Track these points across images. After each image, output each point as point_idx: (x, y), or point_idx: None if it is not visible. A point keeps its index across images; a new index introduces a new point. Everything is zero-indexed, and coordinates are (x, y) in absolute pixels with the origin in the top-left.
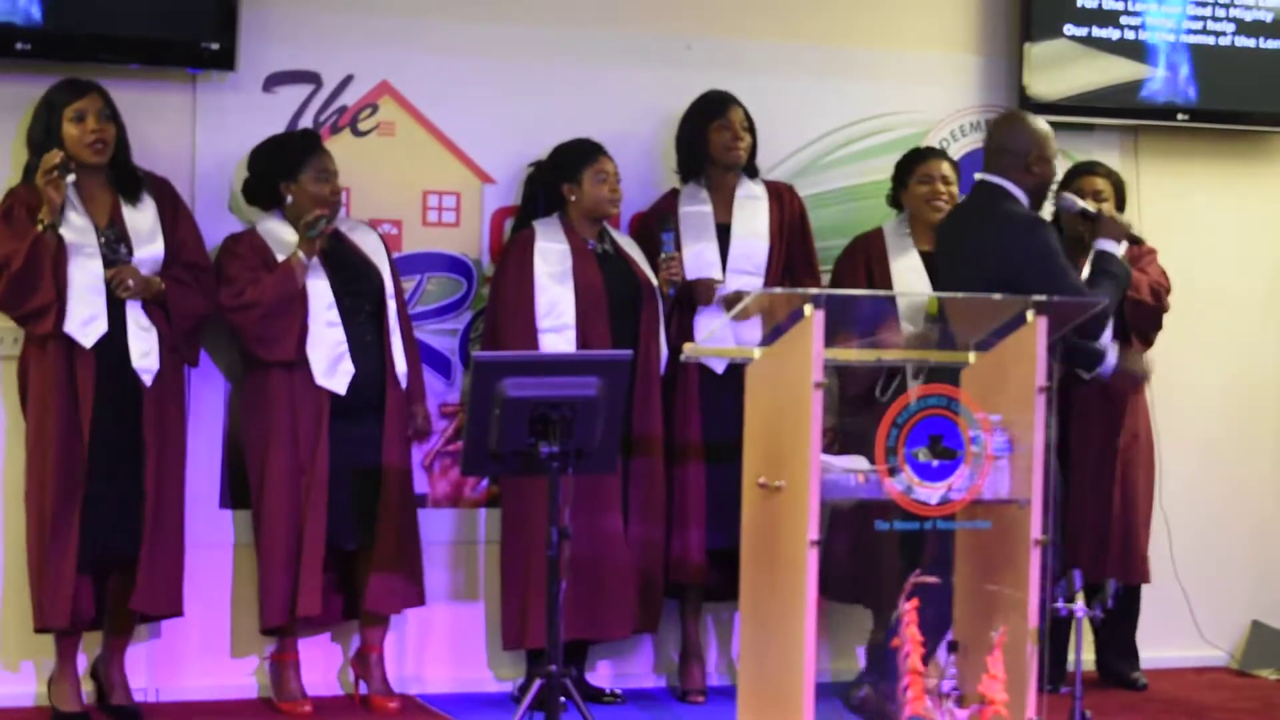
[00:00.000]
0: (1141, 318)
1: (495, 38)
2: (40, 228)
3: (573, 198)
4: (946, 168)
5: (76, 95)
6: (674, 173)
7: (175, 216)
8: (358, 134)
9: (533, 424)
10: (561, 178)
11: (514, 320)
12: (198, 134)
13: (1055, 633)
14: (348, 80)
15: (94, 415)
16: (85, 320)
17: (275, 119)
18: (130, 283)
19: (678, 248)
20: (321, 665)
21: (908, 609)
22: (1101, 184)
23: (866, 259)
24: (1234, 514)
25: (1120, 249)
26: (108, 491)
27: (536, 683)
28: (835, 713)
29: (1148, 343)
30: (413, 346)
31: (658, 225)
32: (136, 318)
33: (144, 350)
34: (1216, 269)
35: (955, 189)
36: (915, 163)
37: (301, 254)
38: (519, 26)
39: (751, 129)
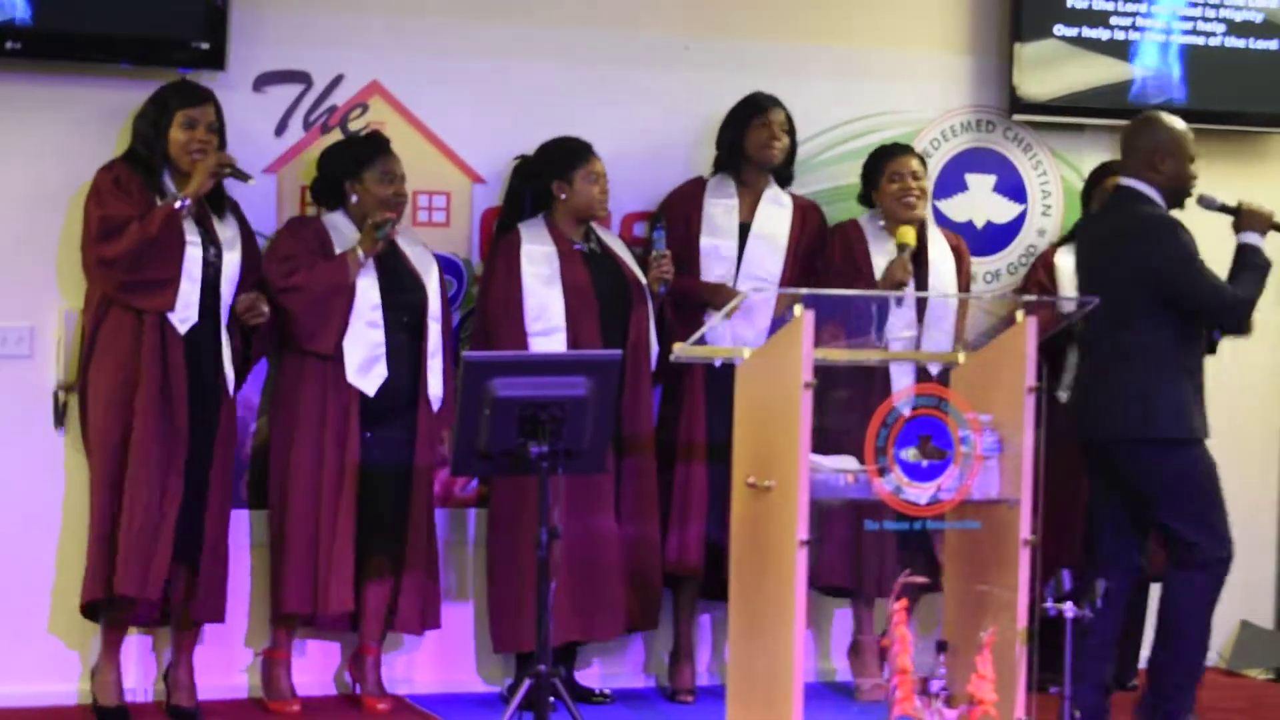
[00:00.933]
0: None
1: (486, 37)
2: (178, 205)
3: (563, 196)
4: (915, 163)
5: (192, 102)
6: (664, 174)
7: (247, 235)
8: (348, 134)
9: (522, 424)
10: (553, 176)
11: (503, 325)
12: None
13: (1050, 632)
14: (338, 80)
15: (190, 408)
16: (184, 305)
17: (265, 119)
18: (265, 309)
19: (683, 243)
20: (318, 666)
21: (897, 609)
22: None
23: (845, 241)
24: None
25: (1264, 241)
26: (188, 489)
27: (526, 683)
28: (824, 712)
29: None
30: (451, 373)
31: (650, 223)
32: (224, 322)
33: (229, 356)
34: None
35: (925, 184)
36: (884, 160)
37: (360, 251)
38: (510, 26)
39: (791, 133)
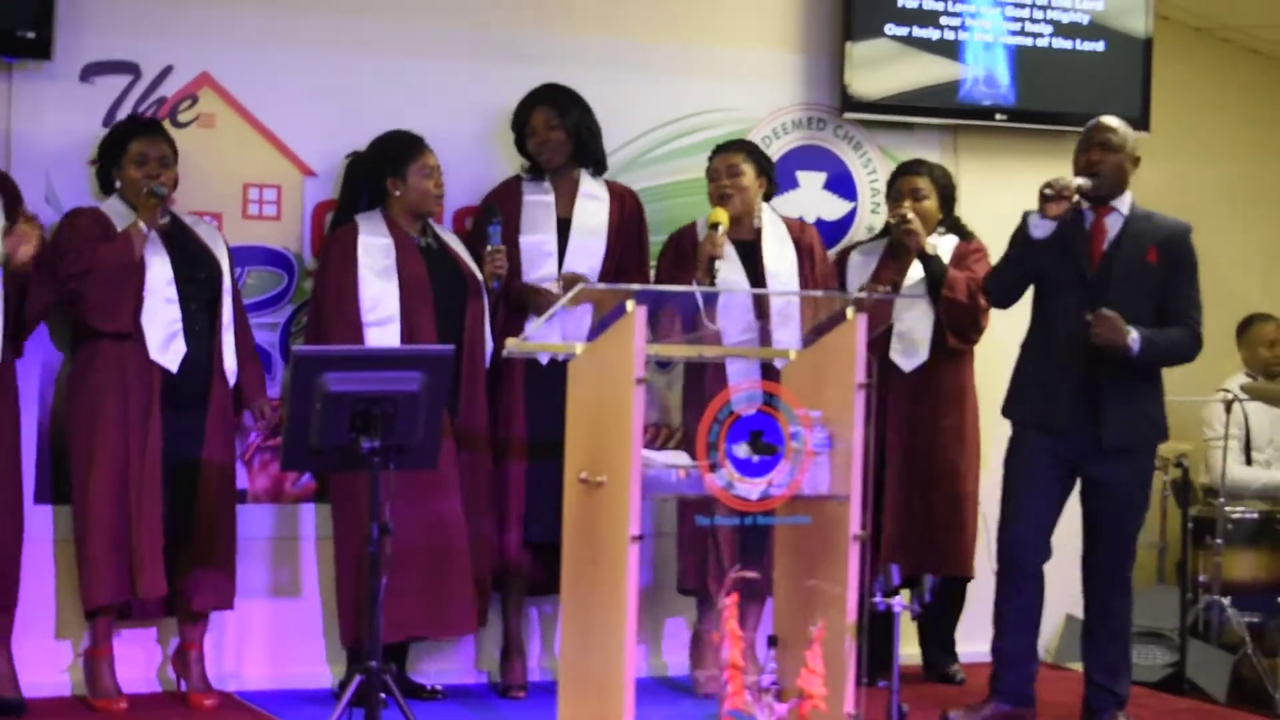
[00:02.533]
0: (956, 316)
1: (317, 30)
2: None
3: (396, 192)
4: (736, 158)
5: None
6: (493, 168)
7: (14, 211)
8: (177, 125)
9: (354, 419)
10: (386, 171)
11: (338, 315)
12: (12, 123)
13: (880, 627)
14: (167, 71)
15: None
16: None
17: (93, 109)
18: (31, 234)
19: (504, 240)
20: (141, 662)
21: (727, 603)
22: (922, 183)
23: (679, 247)
24: None
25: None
26: None
27: (356, 679)
28: (656, 707)
29: (966, 340)
30: (248, 344)
31: (484, 218)
32: None
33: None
34: None
35: (747, 180)
36: (711, 158)
37: (141, 224)
38: (341, 19)
39: (567, 126)
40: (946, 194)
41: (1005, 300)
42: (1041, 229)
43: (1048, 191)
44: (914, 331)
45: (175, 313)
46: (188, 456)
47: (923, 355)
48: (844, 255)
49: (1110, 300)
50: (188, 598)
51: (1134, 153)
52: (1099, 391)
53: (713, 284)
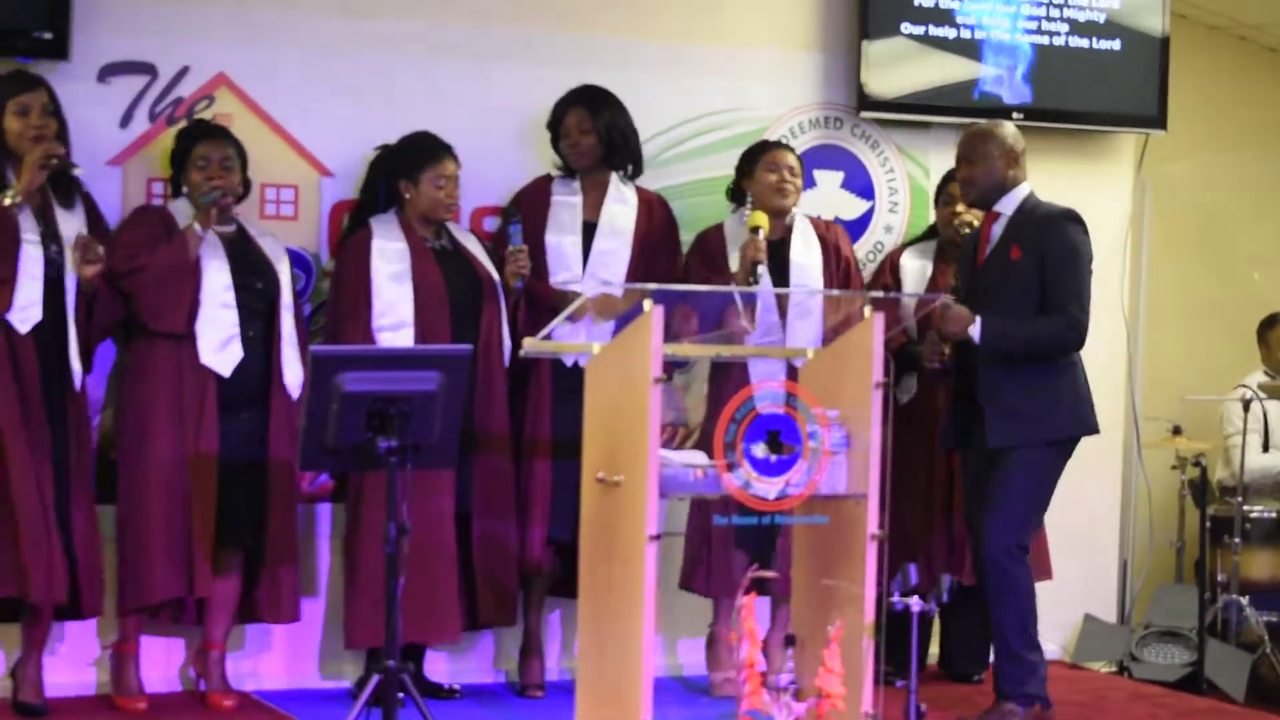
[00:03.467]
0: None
1: (334, 31)
2: (8, 202)
3: (408, 196)
4: (793, 159)
5: (22, 89)
6: (513, 169)
7: (98, 228)
8: (193, 125)
9: (370, 418)
10: (401, 174)
11: (352, 321)
12: None
13: (901, 627)
14: (184, 71)
15: (35, 403)
16: (24, 305)
17: (110, 109)
18: (100, 250)
19: (530, 240)
20: (161, 662)
21: (745, 602)
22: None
23: (704, 248)
24: (1065, 509)
25: None
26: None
27: (374, 679)
28: (673, 707)
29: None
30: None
31: (504, 218)
32: (71, 317)
33: (75, 351)
34: None
35: (800, 181)
36: (762, 152)
37: (197, 226)
38: (359, 20)
39: (598, 129)
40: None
41: None
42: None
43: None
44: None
45: (232, 318)
46: (244, 460)
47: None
48: (895, 256)
49: (986, 304)
50: (261, 609)
51: (1009, 151)
52: (981, 393)
53: (756, 283)
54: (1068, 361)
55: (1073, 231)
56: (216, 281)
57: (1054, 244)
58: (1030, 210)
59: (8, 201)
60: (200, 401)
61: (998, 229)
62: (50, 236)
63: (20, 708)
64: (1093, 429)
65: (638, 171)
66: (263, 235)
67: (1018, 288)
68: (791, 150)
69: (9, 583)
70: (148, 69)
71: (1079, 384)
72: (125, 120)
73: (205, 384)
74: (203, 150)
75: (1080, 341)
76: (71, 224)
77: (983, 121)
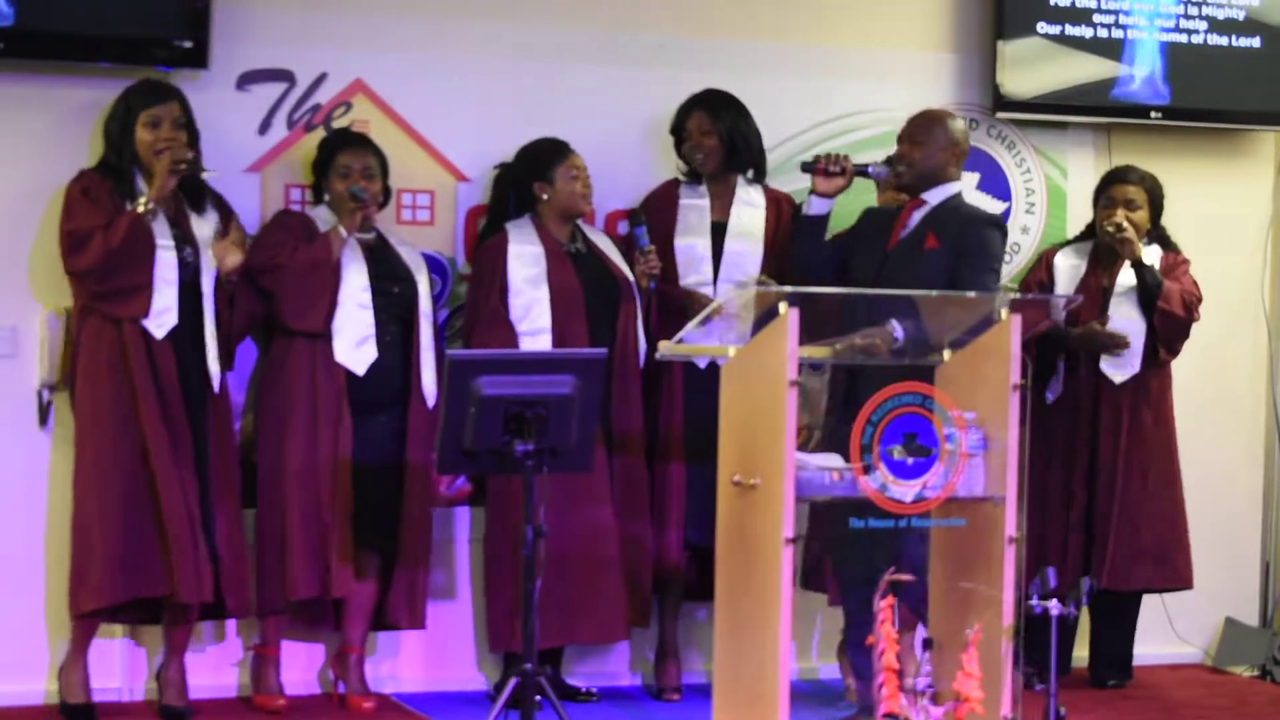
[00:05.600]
0: (1171, 329)
1: (469, 35)
2: (141, 209)
3: (545, 196)
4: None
5: (154, 100)
6: (649, 172)
7: (229, 224)
8: (330, 133)
9: (508, 422)
10: (533, 177)
11: (490, 327)
12: None
13: (1045, 630)
14: (321, 78)
15: (168, 410)
16: (160, 310)
17: (249, 117)
18: (239, 255)
19: (660, 244)
20: (301, 664)
21: (883, 606)
22: (1134, 192)
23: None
24: (1207, 511)
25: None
26: (171, 488)
27: (512, 681)
28: (809, 710)
29: (1173, 353)
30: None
31: (630, 222)
32: (208, 320)
33: (214, 354)
34: (1189, 266)
35: None
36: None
37: (342, 229)
38: (493, 24)
39: (719, 132)
40: (1156, 204)
41: (810, 270)
42: (816, 206)
43: (827, 166)
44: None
45: (368, 319)
46: (377, 464)
47: (1135, 367)
48: (1050, 255)
49: (891, 288)
50: (393, 614)
51: (955, 146)
52: None
53: None
54: None
55: (994, 237)
56: (355, 282)
57: (975, 243)
58: (955, 208)
59: (141, 209)
60: (336, 403)
61: (917, 216)
62: (184, 240)
63: (166, 712)
64: None
65: (761, 174)
66: (402, 244)
67: (926, 276)
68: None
69: (159, 583)
70: (286, 76)
71: None
72: (264, 127)
73: (340, 385)
74: (345, 159)
75: None
76: (205, 228)
77: (936, 108)
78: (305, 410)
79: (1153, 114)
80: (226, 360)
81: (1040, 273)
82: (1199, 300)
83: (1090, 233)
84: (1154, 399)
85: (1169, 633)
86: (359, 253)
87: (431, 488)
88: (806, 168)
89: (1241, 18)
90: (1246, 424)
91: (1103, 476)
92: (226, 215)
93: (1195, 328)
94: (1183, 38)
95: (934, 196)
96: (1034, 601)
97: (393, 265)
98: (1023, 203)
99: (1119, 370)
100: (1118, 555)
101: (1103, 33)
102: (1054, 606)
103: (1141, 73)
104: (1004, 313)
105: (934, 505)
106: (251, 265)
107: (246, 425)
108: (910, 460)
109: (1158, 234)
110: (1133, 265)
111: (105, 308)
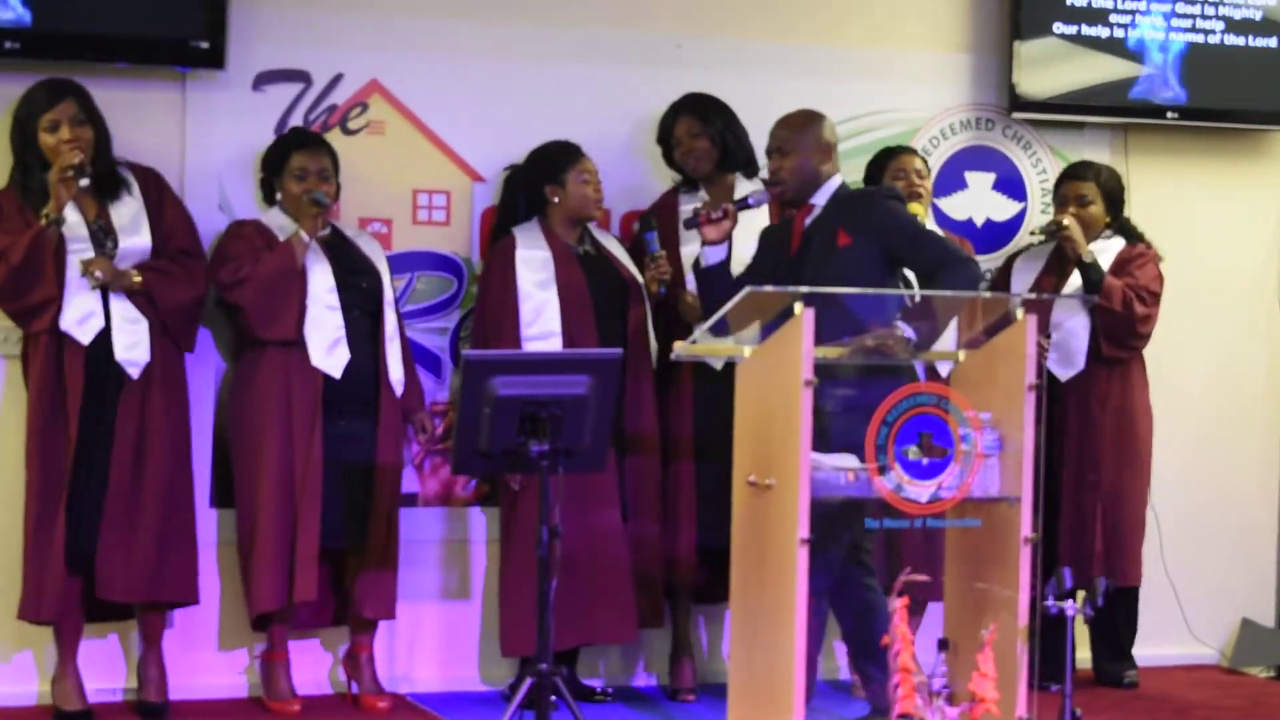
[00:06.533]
0: (1110, 325)
1: (485, 36)
2: (44, 222)
3: (556, 199)
4: (919, 163)
5: (49, 104)
6: (664, 173)
7: (161, 205)
8: (347, 133)
9: (522, 422)
10: (544, 179)
11: (499, 330)
12: (187, 133)
13: (1051, 630)
14: (337, 79)
15: (81, 410)
16: (81, 318)
17: (265, 118)
18: (98, 273)
19: (663, 246)
20: (312, 665)
21: (897, 606)
22: (1086, 188)
23: None
24: (1223, 511)
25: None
26: (86, 489)
27: (527, 682)
28: (826, 710)
29: (1124, 348)
30: (408, 357)
31: (640, 227)
32: (123, 310)
33: (130, 343)
34: (1205, 267)
35: (929, 183)
36: (889, 159)
37: (303, 233)
38: (509, 25)
39: (710, 134)
40: (1114, 197)
41: None
42: (713, 255)
43: (709, 214)
44: (1070, 341)
45: (338, 320)
46: (355, 462)
47: (1078, 365)
48: (1009, 261)
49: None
50: (359, 605)
51: (822, 143)
52: None
53: None
54: None
55: (898, 206)
56: (321, 284)
57: (883, 216)
58: (845, 198)
59: (44, 223)
60: (312, 406)
61: (809, 220)
62: (105, 234)
63: (144, 708)
64: None
65: (754, 170)
66: (359, 235)
67: (846, 273)
68: (916, 152)
69: (95, 583)
70: (302, 77)
71: None
72: (280, 127)
73: (317, 388)
74: (300, 160)
75: (978, 269)
76: (125, 215)
77: (795, 111)
78: (281, 416)
79: (1169, 114)
80: (183, 343)
81: (999, 277)
82: (1154, 294)
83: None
84: (1110, 397)
85: (1184, 633)
86: (321, 254)
87: (440, 488)
88: (690, 224)
89: (1259, 18)
90: (1261, 424)
91: (1061, 476)
92: (158, 191)
93: (1212, 327)
94: (1199, 38)
95: (820, 198)
96: (1049, 602)
97: (354, 259)
98: (1038, 204)
99: (1062, 370)
100: (1075, 553)
101: (1119, 33)
102: (1069, 607)
103: (1158, 73)
104: (1020, 313)
105: (949, 506)
106: (216, 281)
107: (220, 427)
108: (925, 460)
109: (1119, 225)
110: (1077, 263)
111: (19, 324)
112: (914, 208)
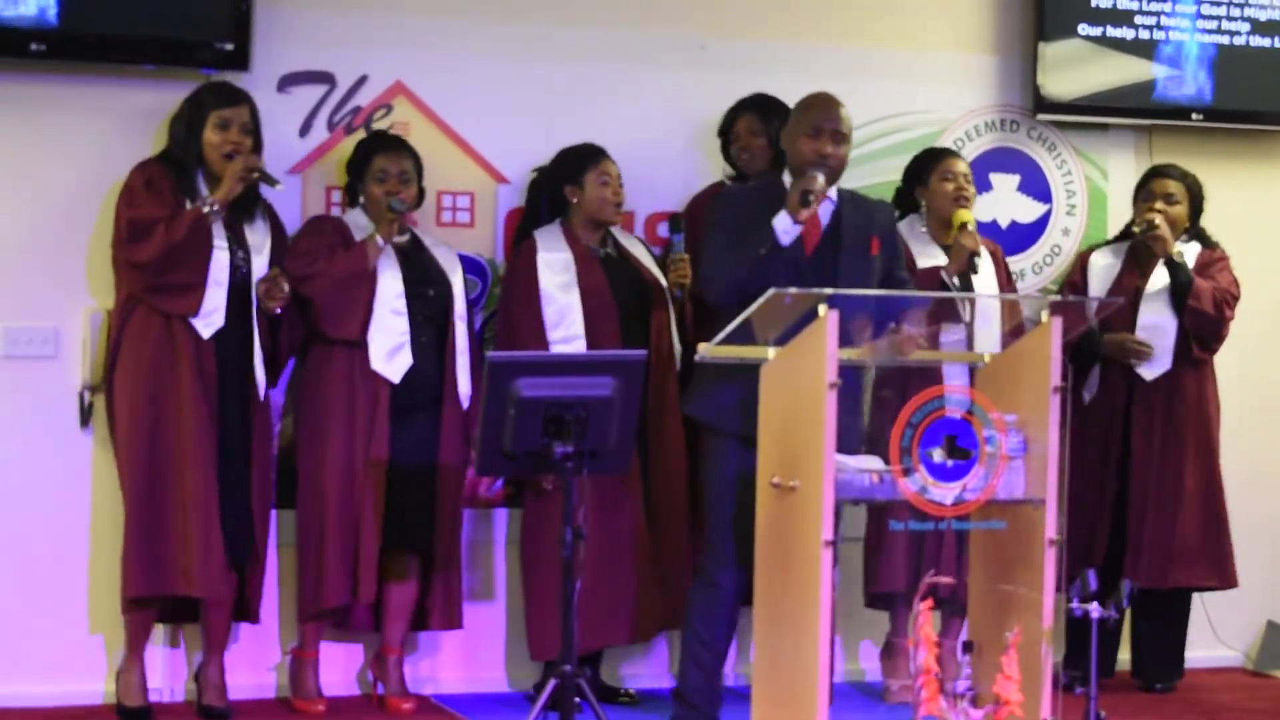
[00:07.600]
0: (1202, 326)
1: (509, 38)
2: (205, 209)
3: (575, 200)
4: (965, 166)
5: (227, 103)
6: (688, 174)
7: (280, 241)
8: (371, 134)
9: (547, 424)
10: (565, 180)
11: (524, 334)
12: None
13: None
14: (362, 80)
15: (221, 411)
16: (209, 310)
17: (289, 119)
18: (285, 287)
19: (688, 249)
20: (340, 666)
21: (922, 609)
22: (1174, 187)
23: None
24: (1248, 514)
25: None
26: (225, 489)
27: (551, 683)
28: (850, 713)
29: (1209, 351)
30: (478, 372)
31: (670, 227)
32: (255, 326)
33: (260, 360)
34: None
35: (974, 189)
36: (936, 160)
37: (379, 237)
38: (533, 26)
39: (769, 134)
40: (1196, 200)
41: (729, 296)
42: (790, 235)
43: (810, 197)
44: (1157, 340)
45: (403, 325)
46: (414, 467)
47: (1165, 365)
48: (1085, 256)
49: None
50: (427, 616)
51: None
52: None
53: (975, 273)
54: None
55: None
56: (389, 289)
57: (899, 241)
58: (863, 202)
59: (205, 209)
60: (373, 408)
61: (825, 213)
62: (238, 244)
63: (206, 711)
64: None
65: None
66: (437, 245)
67: (868, 281)
68: (961, 155)
69: (178, 582)
70: (326, 78)
71: None
72: (304, 129)
73: (378, 391)
74: (381, 162)
75: None
76: (256, 235)
77: (826, 92)
78: (343, 416)
79: (1194, 115)
80: (272, 377)
81: (1075, 274)
82: (1236, 298)
83: (1128, 233)
84: (1189, 397)
85: (1210, 636)
86: (394, 258)
87: (466, 489)
88: (804, 201)
89: None
90: None
91: (1136, 475)
92: (276, 225)
93: (1237, 329)
94: (1225, 39)
95: (833, 190)
96: (1074, 604)
97: (427, 268)
98: (1063, 205)
99: (1149, 369)
100: (1154, 555)
101: (1144, 34)
102: (1094, 609)
103: (1183, 74)
104: (1044, 315)
105: (974, 508)
106: (288, 274)
107: (286, 428)
108: (950, 462)
109: (1196, 231)
110: (1164, 262)
111: (157, 302)
112: (962, 215)
